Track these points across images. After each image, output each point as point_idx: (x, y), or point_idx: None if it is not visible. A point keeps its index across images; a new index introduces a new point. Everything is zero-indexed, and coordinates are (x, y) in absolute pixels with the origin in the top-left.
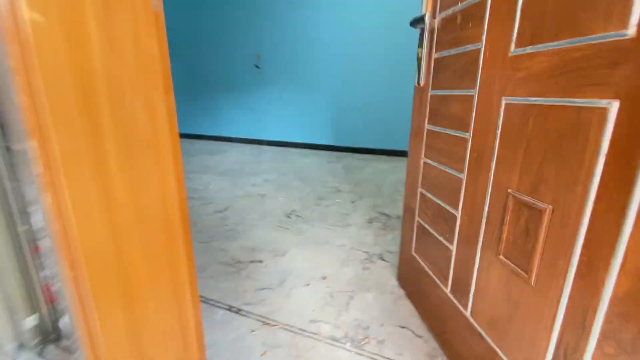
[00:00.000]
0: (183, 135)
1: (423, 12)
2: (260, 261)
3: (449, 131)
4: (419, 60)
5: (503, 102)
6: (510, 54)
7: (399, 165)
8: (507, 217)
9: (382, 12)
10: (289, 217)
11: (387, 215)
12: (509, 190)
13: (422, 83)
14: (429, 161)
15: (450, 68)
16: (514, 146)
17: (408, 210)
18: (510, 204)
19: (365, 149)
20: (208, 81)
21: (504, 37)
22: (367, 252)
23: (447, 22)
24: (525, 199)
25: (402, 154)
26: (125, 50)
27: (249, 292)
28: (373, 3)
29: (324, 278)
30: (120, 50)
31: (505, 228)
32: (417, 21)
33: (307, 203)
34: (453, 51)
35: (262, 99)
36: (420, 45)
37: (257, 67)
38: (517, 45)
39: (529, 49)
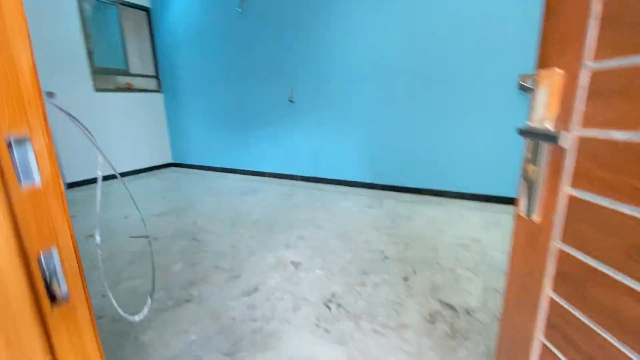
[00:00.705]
0: (217, 169)
1: (542, 118)
2: None
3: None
4: (529, 181)
5: None
6: None
7: (453, 213)
8: None
9: (418, 37)
10: (329, 307)
11: (453, 309)
12: None
13: (536, 219)
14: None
15: (609, 229)
16: None
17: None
18: None
19: (410, 188)
20: (242, 116)
21: None
22: None
23: (609, 147)
24: None
25: (453, 195)
26: None
27: None
28: (410, 28)
29: None
30: None
31: None
32: (533, 133)
33: (349, 280)
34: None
35: (296, 134)
36: (533, 162)
37: (291, 101)
38: None
39: None
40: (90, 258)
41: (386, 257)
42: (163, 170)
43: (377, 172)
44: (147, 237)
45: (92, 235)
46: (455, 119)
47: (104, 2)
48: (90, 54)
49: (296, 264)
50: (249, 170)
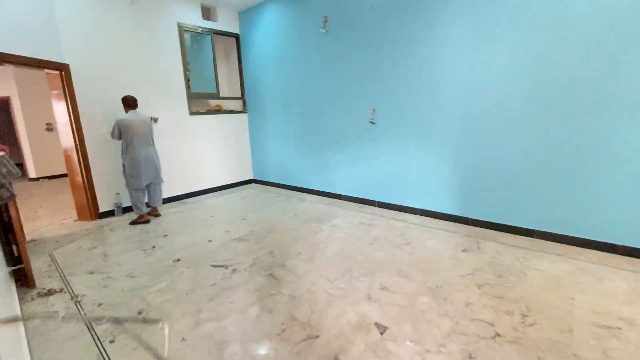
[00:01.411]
0: (295, 188)
1: None
2: None
3: None
4: None
5: None
6: None
7: (586, 271)
8: None
9: (526, 44)
10: None
11: None
12: None
13: None
14: None
15: None
16: None
17: None
18: None
19: (516, 228)
20: (321, 136)
21: None
22: None
23: None
24: None
25: (582, 243)
26: None
27: None
28: (513, 39)
29: None
30: None
31: None
32: None
33: None
34: None
35: (376, 157)
36: None
37: (372, 122)
38: None
39: None
40: (176, 287)
41: (498, 335)
42: (244, 186)
43: (470, 204)
44: (226, 267)
45: (179, 259)
46: (594, 138)
47: (201, 33)
48: (187, 81)
49: (382, 328)
50: (326, 192)
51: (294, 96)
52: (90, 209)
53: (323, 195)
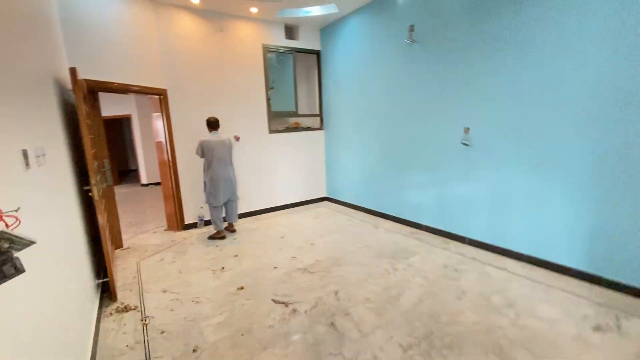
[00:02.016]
0: (369, 211)
1: None
2: None
3: None
4: None
5: None
6: None
7: None
8: None
9: None
10: None
11: None
12: None
13: None
14: None
15: None
16: None
17: None
18: None
19: None
20: (401, 157)
21: None
22: None
23: None
24: None
25: None
26: None
27: None
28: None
29: None
30: None
31: None
32: None
33: None
34: None
35: (468, 184)
36: None
37: (464, 144)
38: None
39: None
40: (234, 323)
41: None
42: (317, 204)
43: (607, 258)
44: (286, 305)
45: (242, 288)
46: None
47: (283, 52)
48: (268, 100)
49: None
50: (403, 219)
51: (373, 112)
52: (177, 220)
53: (400, 223)
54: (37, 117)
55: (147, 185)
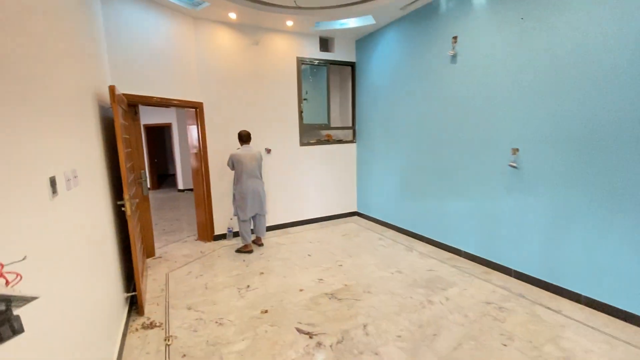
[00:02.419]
0: (402, 230)
1: None
2: None
3: None
4: None
5: None
6: None
7: None
8: None
9: None
10: None
11: None
12: None
13: None
14: None
15: None
16: None
17: None
18: None
19: None
20: (439, 175)
21: None
22: None
23: None
24: None
25: None
26: None
27: None
28: None
29: None
30: None
31: None
32: None
33: None
34: None
35: (518, 213)
36: None
37: (512, 166)
38: None
39: None
40: (255, 353)
41: None
42: (347, 219)
43: None
44: (311, 336)
45: (267, 311)
46: None
47: (317, 65)
48: (300, 113)
49: None
50: (440, 243)
51: (409, 126)
52: (207, 230)
53: (436, 246)
54: (74, 135)
55: (182, 190)
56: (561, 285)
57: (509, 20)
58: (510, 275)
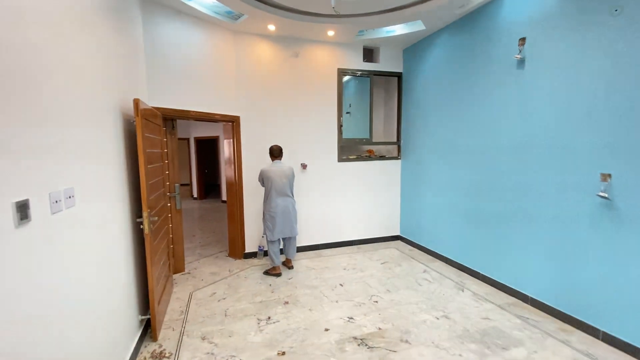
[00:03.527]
0: (450, 262)
1: None
2: None
3: None
4: None
5: None
6: None
7: None
8: None
9: None
10: None
11: None
12: None
13: None
14: None
15: None
16: None
17: None
18: None
19: None
20: (498, 202)
21: None
22: None
23: None
24: None
25: None
26: None
27: None
28: None
29: None
30: None
31: None
32: None
33: None
34: None
35: (609, 257)
36: None
37: (603, 197)
38: None
39: None
40: None
41: None
42: (388, 243)
43: None
44: None
45: (284, 353)
46: None
47: (360, 76)
48: (340, 127)
49: None
50: (499, 283)
51: (464, 144)
52: (238, 247)
53: (494, 286)
54: (74, 152)
55: (225, 202)
56: None
57: (594, 13)
58: (597, 338)
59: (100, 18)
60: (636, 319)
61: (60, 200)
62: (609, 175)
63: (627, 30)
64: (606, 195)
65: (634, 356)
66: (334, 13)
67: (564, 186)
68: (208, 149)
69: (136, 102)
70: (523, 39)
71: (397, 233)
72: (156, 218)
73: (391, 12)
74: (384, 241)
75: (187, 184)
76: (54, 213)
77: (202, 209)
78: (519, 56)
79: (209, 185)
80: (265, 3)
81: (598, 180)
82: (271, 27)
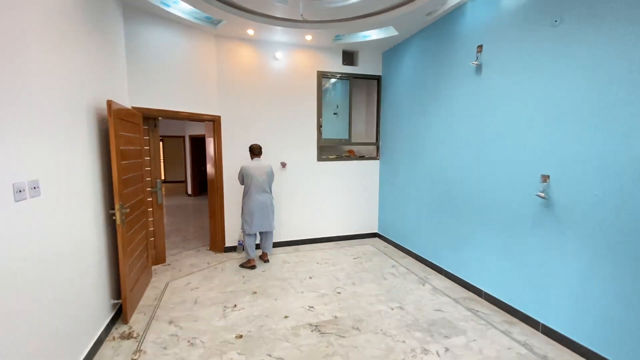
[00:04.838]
0: (419, 258)
1: None
2: None
3: None
4: None
5: None
6: None
7: None
8: None
9: None
10: None
11: None
12: None
13: None
14: None
15: None
16: None
17: None
18: None
19: None
20: (463, 202)
21: None
22: None
23: None
24: None
25: None
26: None
27: None
28: None
29: None
30: None
31: None
32: None
33: None
34: None
35: (546, 254)
36: None
37: (541, 196)
38: None
39: None
40: None
41: None
42: (366, 240)
43: None
44: None
45: (242, 336)
46: None
47: (339, 79)
48: (319, 127)
49: None
50: (459, 278)
51: (433, 145)
52: (218, 241)
53: (455, 281)
54: (44, 148)
55: None
56: (599, 353)
57: (540, 23)
58: (537, 330)
59: (73, 24)
60: (569, 313)
61: (24, 190)
62: (548, 177)
63: (565, 40)
64: (544, 195)
65: (568, 347)
66: (301, 19)
67: (513, 187)
68: (203, 147)
69: (109, 103)
70: (480, 46)
71: (376, 230)
72: (128, 210)
73: (363, 19)
74: (363, 238)
75: (182, 181)
76: (18, 201)
77: (194, 205)
78: (476, 62)
79: (204, 182)
80: (241, 9)
81: (538, 180)
82: (250, 32)
